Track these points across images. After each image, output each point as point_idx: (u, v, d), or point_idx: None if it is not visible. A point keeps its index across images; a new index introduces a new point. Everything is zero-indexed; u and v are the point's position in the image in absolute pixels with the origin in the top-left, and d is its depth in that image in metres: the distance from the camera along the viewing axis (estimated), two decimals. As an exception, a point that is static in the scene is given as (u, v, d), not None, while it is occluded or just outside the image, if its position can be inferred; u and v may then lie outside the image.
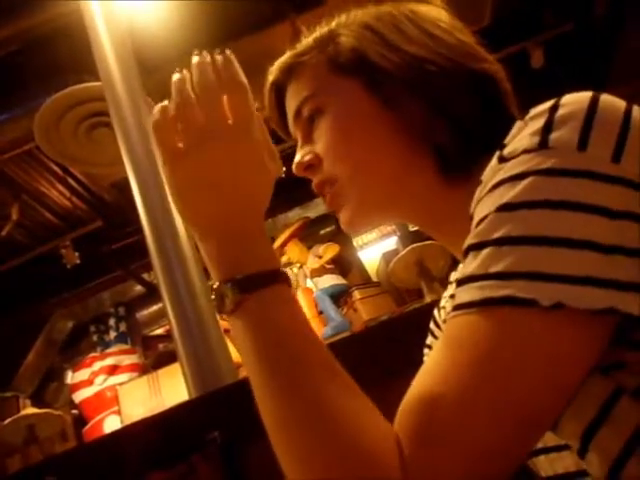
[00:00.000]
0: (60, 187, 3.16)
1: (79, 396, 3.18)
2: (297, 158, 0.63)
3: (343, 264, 3.39)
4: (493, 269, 0.40)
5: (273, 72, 0.66)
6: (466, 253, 0.43)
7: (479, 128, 0.56)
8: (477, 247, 0.42)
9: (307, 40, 0.64)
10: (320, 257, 3.23)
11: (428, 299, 2.54)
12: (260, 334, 0.46)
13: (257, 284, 0.47)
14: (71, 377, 3.47)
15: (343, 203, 0.61)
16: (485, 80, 0.58)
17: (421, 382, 0.41)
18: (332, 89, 0.60)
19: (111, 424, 2.89)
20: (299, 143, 0.65)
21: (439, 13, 0.62)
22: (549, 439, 0.50)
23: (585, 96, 0.43)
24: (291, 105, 0.64)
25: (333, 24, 0.63)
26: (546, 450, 0.51)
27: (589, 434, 0.42)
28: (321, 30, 0.63)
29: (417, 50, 0.57)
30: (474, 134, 0.56)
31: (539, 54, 2.92)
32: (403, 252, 2.74)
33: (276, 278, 0.48)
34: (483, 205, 0.43)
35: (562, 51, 3.04)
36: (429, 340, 0.73)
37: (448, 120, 0.56)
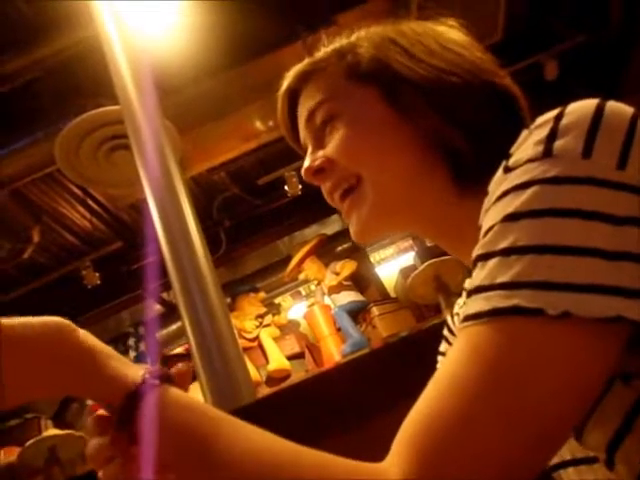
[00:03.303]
0: (80, 209, 3.22)
1: (100, 417, 3.18)
2: (306, 163, 0.63)
3: (361, 280, 3.38)
4: (500, 279, 0.39)
5: (289, 77, 0.66)
6: (474, 264, 0.43)
7: (496, 140, 0.56)
8: (484, 258, 0.42)
9: (325, 49, 0.65)
10: (337, 274, 3.23)
11: (447, 314, 2.52)
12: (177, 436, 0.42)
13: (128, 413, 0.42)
14: (92, 397, 3.47)
15: (359, 205, 0.60)
16: (506, 94, 0.59)
17: (430, 395, 0.40)
18: (347, 96, 0.61)
19: (132, 444, 2.88)
20: (309, 150, 0.64)
21: (458, 34, 0.63)
22: (577, 451, 0.49)
23: (591, 104, 0.43)
24: (304, 109, 0.64)
25: (353, 37, 0.64)
26: (575, 462, 0.50)
27: (614, 445, 0.41)
28: (340, 41, 0.65)
29: (438, 62, 0.58)
30: (490, 146, 0.56)
31: (553, 66, 2.91)
32: (421, 268, 2.73)
33: (137, 395, 0.43)
34: (489, 216, 0.43)
35: (577, 63, 3.03)
36: (443, 347, 0.72)
37: (464, 131, 0.56)
